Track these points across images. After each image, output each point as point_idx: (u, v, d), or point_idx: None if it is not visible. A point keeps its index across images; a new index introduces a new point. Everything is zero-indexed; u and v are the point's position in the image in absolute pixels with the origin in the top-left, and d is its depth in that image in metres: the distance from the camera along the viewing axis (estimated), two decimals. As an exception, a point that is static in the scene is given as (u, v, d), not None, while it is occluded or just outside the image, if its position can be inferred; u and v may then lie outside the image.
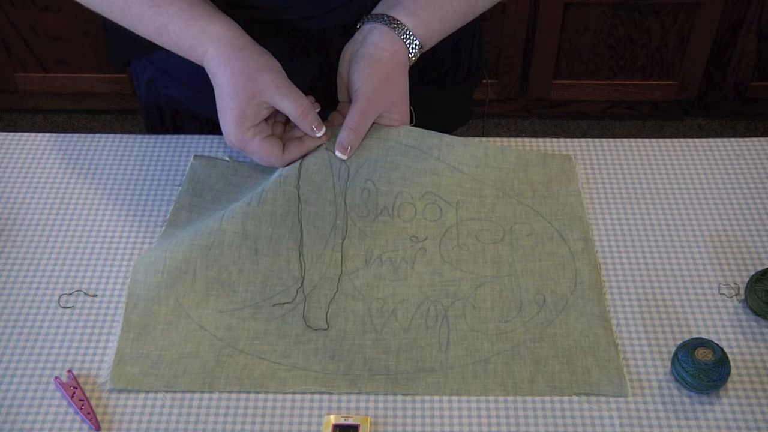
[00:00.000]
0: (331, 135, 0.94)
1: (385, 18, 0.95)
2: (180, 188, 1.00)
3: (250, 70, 0.89)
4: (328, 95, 0.98)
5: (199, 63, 0.92)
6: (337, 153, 0.92)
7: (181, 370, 0.82)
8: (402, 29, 0.94)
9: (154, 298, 0.88)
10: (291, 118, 0.91)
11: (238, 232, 0.90)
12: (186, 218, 0.96)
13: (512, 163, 1.00)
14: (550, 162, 1.01)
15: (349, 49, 0.96)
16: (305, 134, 0.93)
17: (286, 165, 0.93)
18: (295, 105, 0.90)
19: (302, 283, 0.89)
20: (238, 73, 0.89)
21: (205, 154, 1.04)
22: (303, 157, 0.94)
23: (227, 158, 1.03)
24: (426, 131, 0.96)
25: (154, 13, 0.91)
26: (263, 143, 0.90)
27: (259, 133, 0.90)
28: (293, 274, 0.89)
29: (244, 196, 0.94)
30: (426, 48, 0.97)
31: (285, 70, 0.92)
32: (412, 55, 0.95)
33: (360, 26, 0.97)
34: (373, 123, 0.94)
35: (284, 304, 0.88)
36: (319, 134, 0.92)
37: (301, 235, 0.91)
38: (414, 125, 0.96)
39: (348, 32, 0.98)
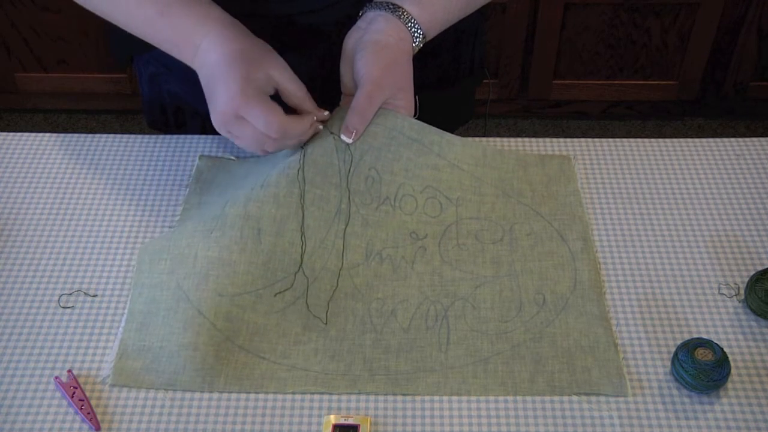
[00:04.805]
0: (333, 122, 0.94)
1: (390, 6, 0.94)
2: (188, 190, 1.00)
3: (264, 46, 0.90)
4: (325, 91, 0.98)
5: (194, 45, 0.90)
6: (343, 136, 0.92)
7: (181, 366, 0.82)
8: (407, 17, 0.93)
9: (157, 284, 0.88)
10: (294, 100, 0.91)
11: (240, 215, 0.90)
12: (196, 216, 0.96)
13: (511, 163, 1.00)
14: (549, 163, 1.01)
15: (352, 37, 0.95)
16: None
17: (286, 140, 0.91)
18: (300, 87, 0.90)
19: (300, 266, 0.89)
20: (249, 47, 0.89)
21: (206, 153, 1.04)
22: (306, 143, 0.93)
23: (233, 158, 1.03)
24: (428, 126, 0.96)
25: None
26: (266, 105, 0.88)
27: (261, 95, 0.88)
28: (294, 258, 0.89)
29: (248, 184, 0.94)
30: (428, 38, 0.96)
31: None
32: (416, 44, 0.95)
33: (362, 14, 0.97)
34: (379, 108, 0.94)
35: (284, 291, 0.88)
36: (324, 115, 0.92)
37: (303, 216, 0.91)
38: (417, 117, 0.96)
39: (347, 27, 0.98)
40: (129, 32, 0.95)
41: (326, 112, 0.93)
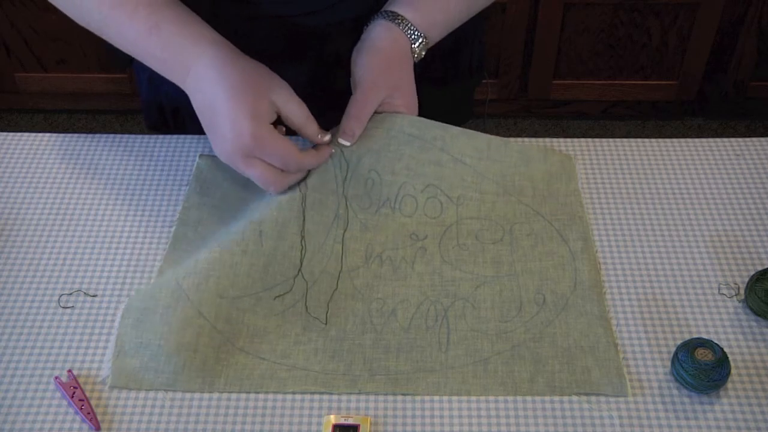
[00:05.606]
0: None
1: (385, 13, 0.96)
2: (188, 188, 1.00)
3: (260, 69, 0.88)
4: (324, 93, 0.98)
5: (184, 67, 0.88)
6: (341, 140, 0.92)
7: (181, 367, 0.82)
8: (402, 21, 0.95)
9: (156, 283, 0.88)
10: (296, 123, 0.89)
11: (243, 216, 0.91)
12: (196, 217, 0.96)
13: (514, 157, 0.99)
14: (551, 158, 1.01)
15: (355, 48, 0.96)
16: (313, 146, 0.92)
17: (298, 175, 0.91)
18: (302, 109, 0.89)
19: (299, 270, 0.89)
20: (249, 70, 0.87)
21: (206, 153, 1.04)
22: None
23: None
24: (429, 121, 0.96)
25: (148, 12, 0.87)
26: (281, 143, 0.86)
27: (274, 132, 0.86)
28: (294, 262, 0.89)
29: (251, 193, 0.94)
30: (431, 41, 0.97)
31: (282, 67, 0.92)
32: (417, 45, 0.95)
33: (366, 27, 0.98)
34: (377, 111, 0.94)
35: (284, 295, 0.88)
36: (325, 138, 0.91)
37: (304, 219, 0.91)
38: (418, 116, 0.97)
39: (346, 29, 0.99)
40: (121, 49, 0.93)
41: (327, 136, 0.91)
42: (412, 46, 0.95)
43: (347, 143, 0.92)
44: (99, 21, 0.91)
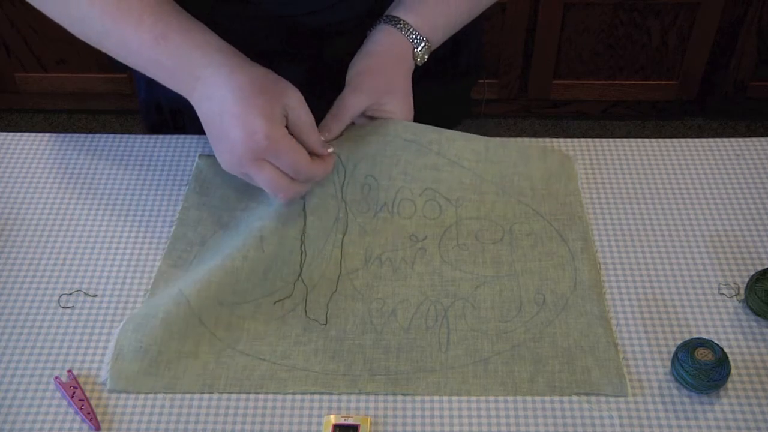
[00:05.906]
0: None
1: (387, 18, 0.96)
2: (187, 188, 1.00)
3: (269, 74, 0.86)
4: (324, 93, 0.98)
5: (193, 77, 0.86)
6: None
7: (181, 372, 0.82)
8: (402, 25, 0.95)
9: (156, 289, 0.88)
10: (302, 130, 0.87)
11: (244, 220, 0.91)
12: (195, 217, 0.96)
13: (513, 156, 0.99)
14: (550, 157, 1.01)
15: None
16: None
17: (306, 185, 0.89)
18: (309, 116, 0.87)
19: (299, 276, 0.89)
20: (259, 75, 0.85)
21: (206, 152, 1.04)
22: None
23: None
24: (425, 126, 0.96)
25: (153, 21, 0.86)
26: (293, 146, 0.84)
27: (287, 135, 0.84)
28: (294, 268, 0.89)
29: (251, 193, 0.95)
30: (434, 44, 0.97)
31: (282, 67, 0.91)
32: (419, 49, 0.96)
33: (369, 33, 0.98)
34: (370, 117, 0.95)
35: (284, 299, 0.88)
36: (329, 149, 0.90)
37: (305, 224, 0.91)
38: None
39: (346, 29, 0.99)
40: (121, 61, 0.91)
41: (330, 149, 0.89)
42: (415, 50, 0.96)
43: (322, 138, 0.91)
44: (100, 33, 0.89)
